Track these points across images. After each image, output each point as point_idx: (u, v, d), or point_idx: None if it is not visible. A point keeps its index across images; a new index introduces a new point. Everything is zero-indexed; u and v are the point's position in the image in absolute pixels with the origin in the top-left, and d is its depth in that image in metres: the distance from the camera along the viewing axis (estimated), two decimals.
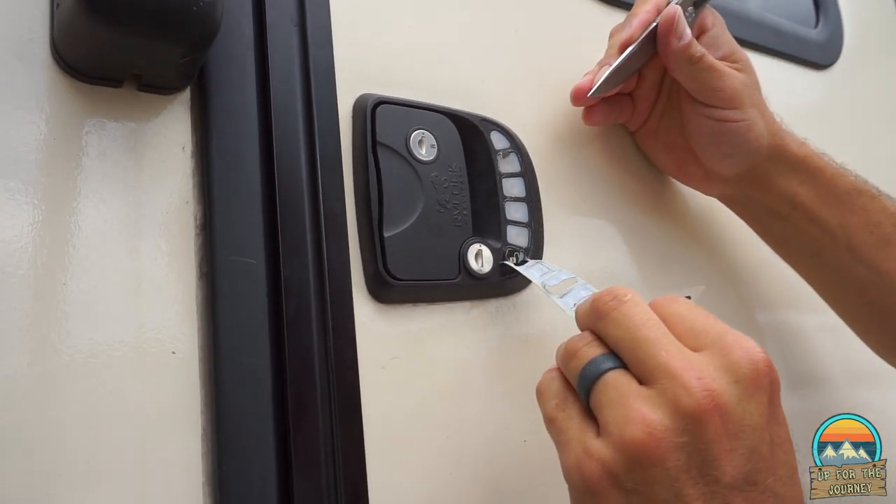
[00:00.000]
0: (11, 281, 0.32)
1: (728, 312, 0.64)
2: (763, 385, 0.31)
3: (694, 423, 0.30)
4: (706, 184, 0.58)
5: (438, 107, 0.47)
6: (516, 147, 0.50)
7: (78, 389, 0.32)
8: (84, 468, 0.32)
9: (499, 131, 0.50)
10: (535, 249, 0.49)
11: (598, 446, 0.32)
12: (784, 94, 0.74)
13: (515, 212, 0.49)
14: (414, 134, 0.45)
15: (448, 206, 0.46)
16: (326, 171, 0.41)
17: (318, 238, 0.40)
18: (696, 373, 0.31)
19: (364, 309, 0.42)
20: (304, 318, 0.38)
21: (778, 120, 0.55)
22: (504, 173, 0.49)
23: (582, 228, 0.55)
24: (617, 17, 0.61)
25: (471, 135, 0.48)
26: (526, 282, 0.49)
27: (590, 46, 0.57)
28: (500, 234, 0.48)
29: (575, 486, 0.33)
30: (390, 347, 0.42)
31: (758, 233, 0.61)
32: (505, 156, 0.49)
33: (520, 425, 0.47)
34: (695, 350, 0.33)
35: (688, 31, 0.49)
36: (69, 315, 0.33)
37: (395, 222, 0.43)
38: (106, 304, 0.34)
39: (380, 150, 0.43)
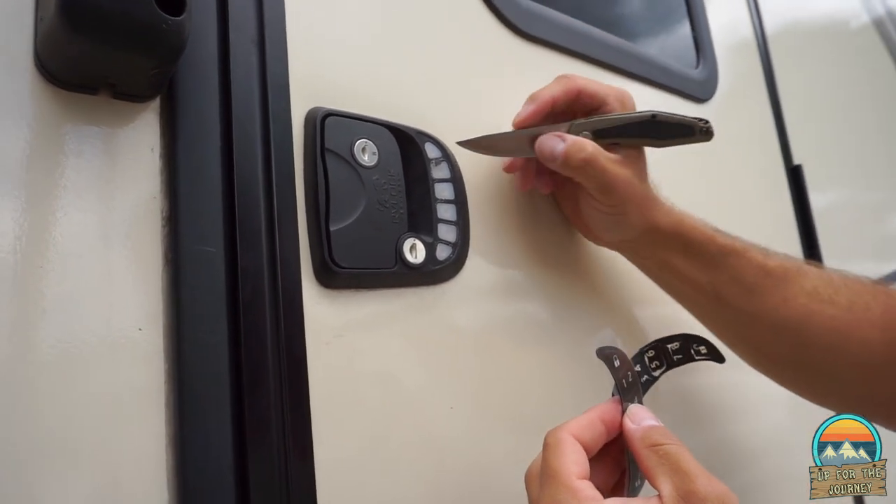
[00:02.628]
0: None
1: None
2: None
3: None
4: (598, 241, 0.61)
5: (380, 120, 0.48)
6: (447, 157, 0.51)
7: (53, 360, 0.32)
8: (61, 432, 0.32)
9: (432, 143, 0.50)
10: (462, 245, 0.50)
11: None
12: None
13: (445, 212, 0.50)
14: (358, 143, 0.46)
15: (387, 206, 0.46)
16: (280, 173, 0.41)
17: (272, 230, 0.40)
18: None
19: (311, 293, 0.42)
20: (258, 300, 0.38)
21: (654, 190, 0.55)
22: (436, 179, 0.50)
23: (503, 226, 0.56)
24: (538, 51, 0.63)
25: (408, 145, 0.49)
26: (453, 272, 0.50)
27: (511, 76, 0.59)
28: (431, 230, 0.49)
29: None
30: (334, 327, 0.43)
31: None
32: (437, 164, 0.50)
33: (447, 395, 0.48)
34: None
35: (559, 149, 0.50)
36: (46, 295, 0.32)
37: (340, 218, 0.43)
38: (80, 286, 0.34)
39: (328, 156, 0.44)
